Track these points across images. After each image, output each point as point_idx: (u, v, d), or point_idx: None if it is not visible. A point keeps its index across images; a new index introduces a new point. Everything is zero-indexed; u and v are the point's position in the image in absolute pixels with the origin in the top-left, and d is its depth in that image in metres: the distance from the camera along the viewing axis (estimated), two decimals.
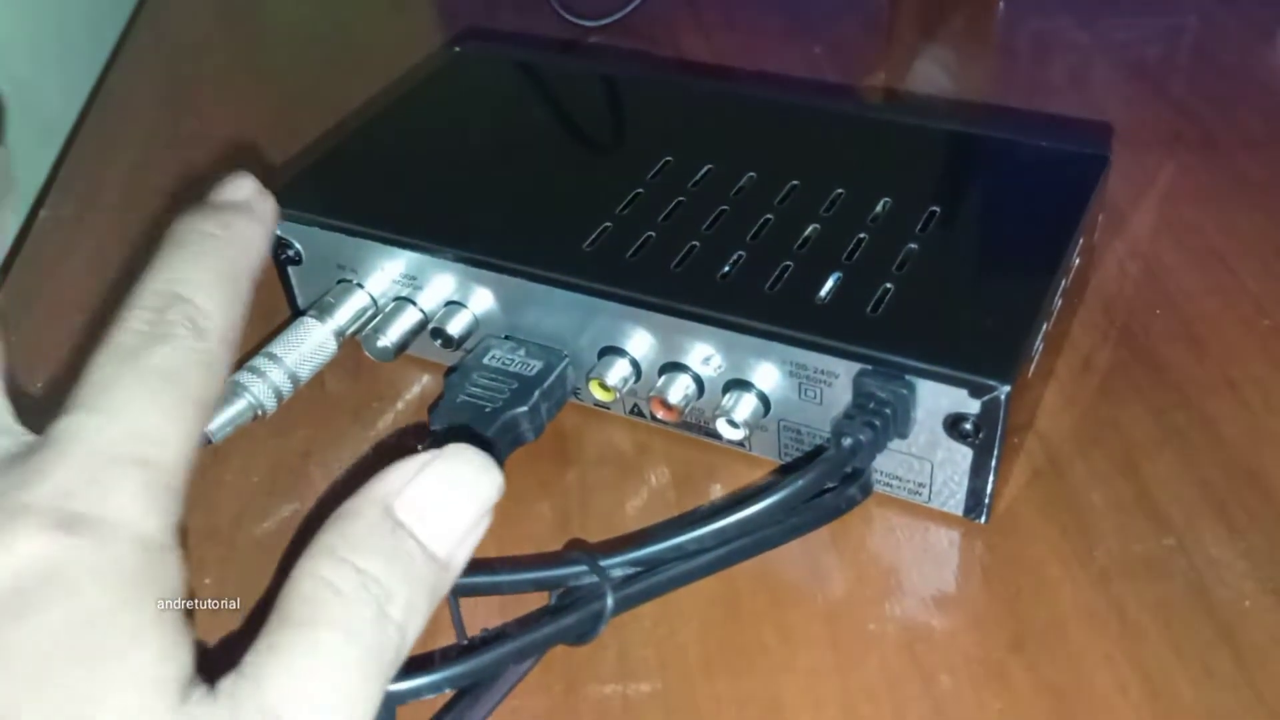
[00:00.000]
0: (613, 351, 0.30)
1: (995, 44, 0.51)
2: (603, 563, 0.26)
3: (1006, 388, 0.26)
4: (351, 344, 0.34)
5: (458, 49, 0.41)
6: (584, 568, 0.26)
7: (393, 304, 0.33)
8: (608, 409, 0.32)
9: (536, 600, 0.27)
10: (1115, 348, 0.34)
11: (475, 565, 0.28)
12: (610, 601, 0.26)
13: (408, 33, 0.56)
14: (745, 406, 0.29)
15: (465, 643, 0.26)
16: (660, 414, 0.30)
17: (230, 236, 0.26)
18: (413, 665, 0.25)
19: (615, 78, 0.40)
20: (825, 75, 0.49)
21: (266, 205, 0.27)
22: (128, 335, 0.22)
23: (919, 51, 0.51)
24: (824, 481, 0.27)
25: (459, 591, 0.27)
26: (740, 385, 0.29)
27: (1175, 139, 0.43)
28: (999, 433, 0.26)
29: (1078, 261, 0.32)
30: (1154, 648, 0.26)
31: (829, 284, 0.29)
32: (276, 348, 0.32)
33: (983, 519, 0.29)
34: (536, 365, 0.31)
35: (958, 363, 0.26)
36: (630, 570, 0.26)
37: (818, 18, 0.53)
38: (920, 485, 0.29)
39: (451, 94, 0.39)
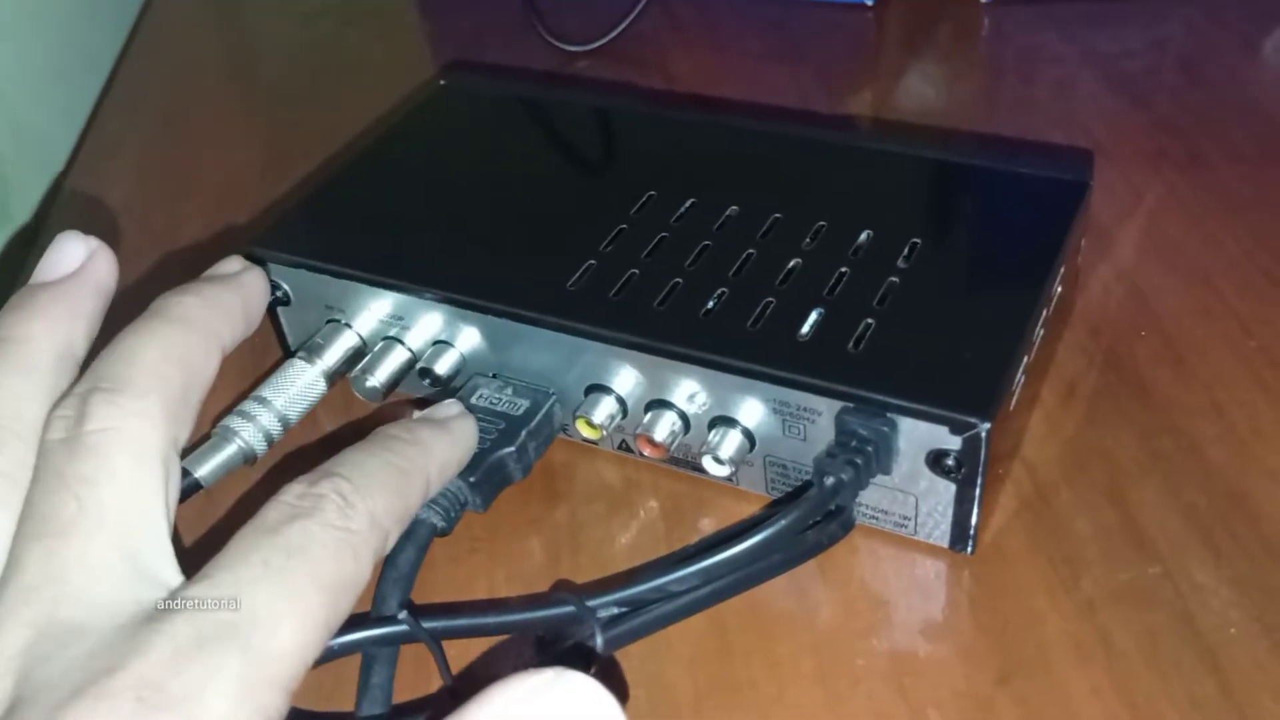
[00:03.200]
0: (599, 389, 0.31)
1: (981, 60, 0.51)
2: (589, 603, 0.26)
3: (987, 424, 0.26)
4: (345, 382, 0.34)
5: (442, 83, 0.42)
6: (571, 609, 0.26)
7: (381, 344, 0.33)
8: (596, 445, 0.33)
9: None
10: (1101, 372, 0.34)
11: (460, 608, 0.29)
12: (600, 642, 0.26)
13: (398, 59, 0.56)
14: (730, 443, 0.29)
15: (449, 684, 0.26)
16: (647, 451, 0.30)
17: (415, 440, 0.26)
18: (402, 712, 0.25)
19: (598, 111, 0.40)
20: (811, 95, 0.49)
21: (467, 427, 0.28)
22: (279, 510, 0.22)
23: (905, 69, 0.51)
24: (807, 520, 0.27)
25: (444, 635, 0.27)
26: (725, 422, 0.29)
27: (1160, 155, 0.43)
28: (981, 467, 0.27)
29: (1059, 289, 0.32)
30: (1140, 678, 0.26)
31: (811, 320, 0.29)
32: (266, 390, 0.32)
33: (969, 550, 0.29)
34: (523, 404, 0.31)
35: (938, 400, 0.26)
36: (616, 611, 0.27)
37: (804, 37, 0.53)
38: (905, 518, 0.29)
39: (436, 130, 0.39)
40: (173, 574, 0.22)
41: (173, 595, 0.21)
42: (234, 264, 0.30)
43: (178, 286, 0.28)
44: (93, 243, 0.27)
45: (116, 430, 0.23)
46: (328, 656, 0.26)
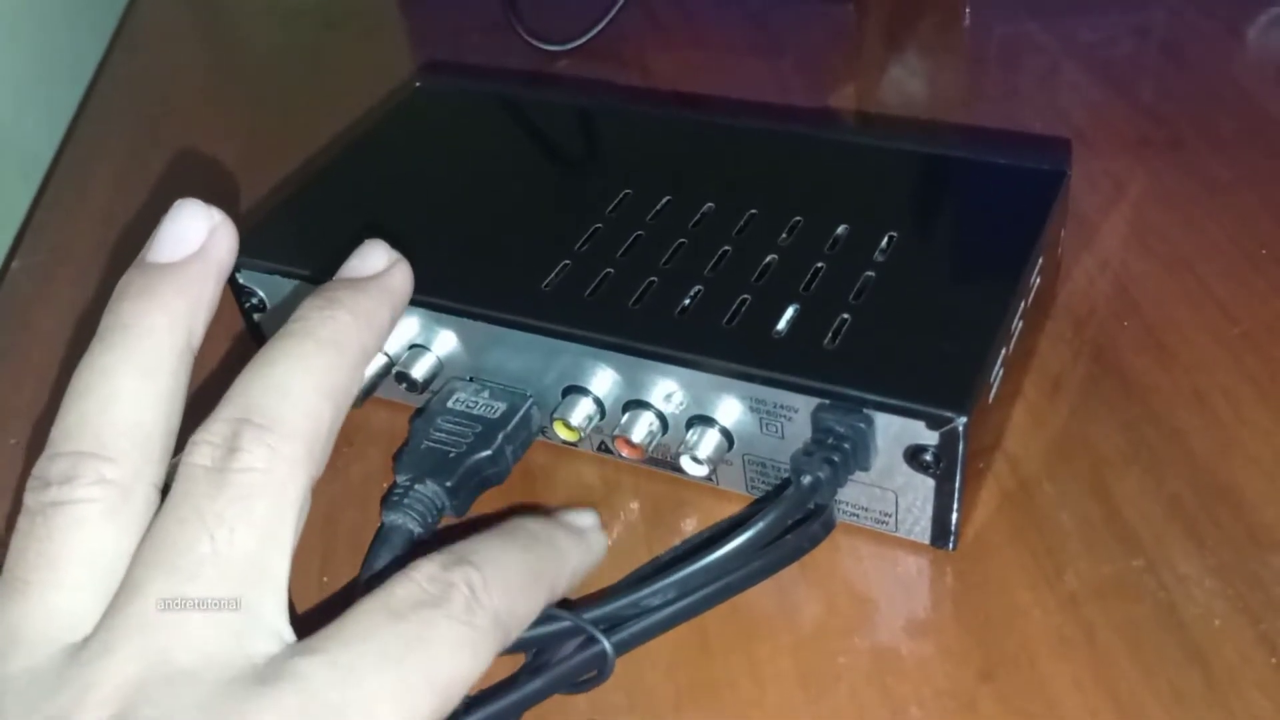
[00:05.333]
0: (576, 390, 0.30)
1: (963, 51, 0.51)
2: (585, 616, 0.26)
3: (964, 419, 0.25)
4: None
5: (417, 84, 0.41)
6: (567, 624, 0.26)
7: None
8: (575, 447, 0.32)
9: None
10: (1084, 362, 0.34)
11: None
12: (610, 650, 0.25)
13: (379, 61, 0.56)
14: (708, 443, 0.29)
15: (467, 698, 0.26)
16: (625, 452, 0.30)
17: (552, 544, 0.26)
18: None
19: (574, 109, 0.40)
20: (793, 90, 0.49)
21: (601, 542, 0.28)
22: (407, 589, 0.22)
23: (888, 62, 0.51)
24: (785, 521, 0.26)
25: None
26: (703, 421, 0.29)
27: (1143, 143, 0.43)
28: (959, 462, 0.26)
29: (1038, 280, 0.32)
30: (1124, 671, 0.26)
31: (787, 316, 0.29)
32: None
33: (950, 546, 0.28)
34: (500, 407, 0.31)
35: (914, 394, 0.26)
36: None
37: (785, 31, 0.53)
38: (886, 515, 0.28)
39: (411, 132, 0.39)
40: (284, 627, 0.22)
41: (284, 657, 0.21)
42: (380, 255, 0.27)
43: (326, 291, 0.26)
44: (215, 215, 0.25)
45: (263, 474, 0.22)
46: None
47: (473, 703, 0.24)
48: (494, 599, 0.23)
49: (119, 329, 0.24)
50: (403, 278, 0.27)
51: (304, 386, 0.23)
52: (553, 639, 0.26)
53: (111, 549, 0.22)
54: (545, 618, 0.26)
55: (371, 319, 0.26)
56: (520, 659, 0.26)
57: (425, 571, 0.22)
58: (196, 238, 0.25)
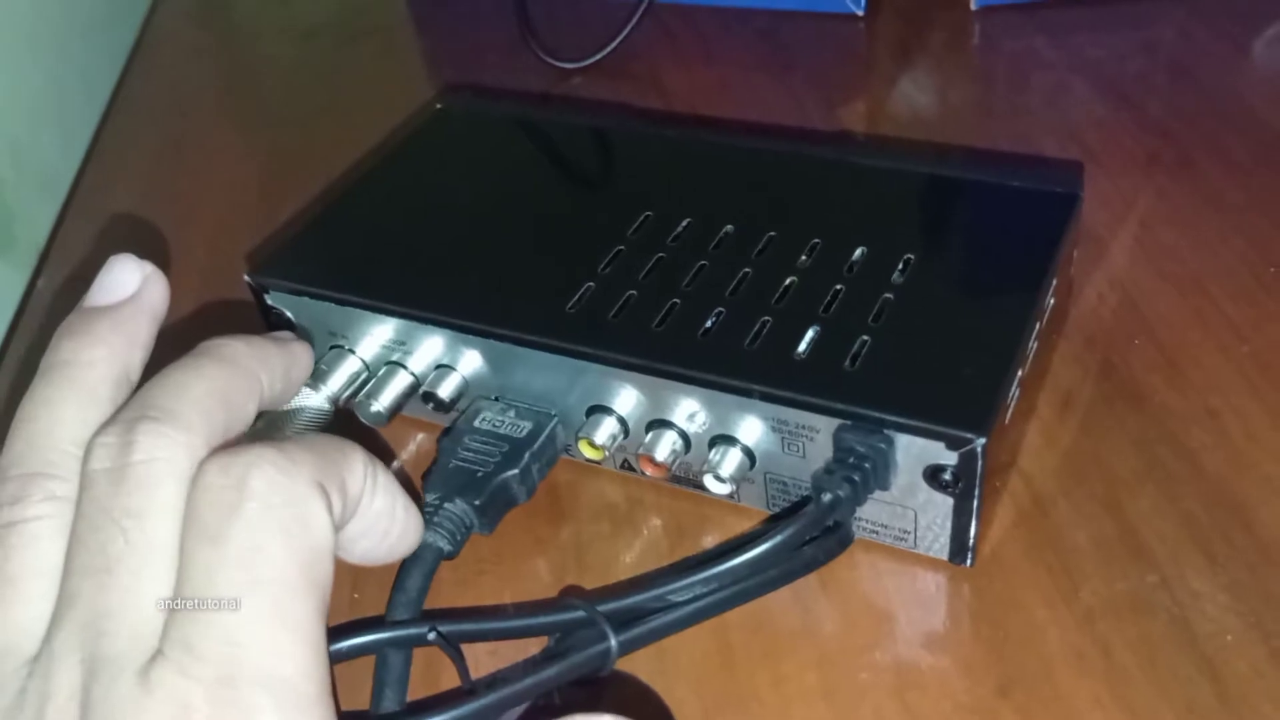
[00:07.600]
0: (600, 410, 0.31)
1: (972, 68, 0.52)
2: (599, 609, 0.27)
3: (983, 439, 0.26)
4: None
5: (439, 106, 0.42)
6: (581, 613, 0.27)
7: (384, 369, 0.34)
8: (599, 465, 0.33)
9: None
10: (1096, 381, 0.34)
11: (471, 613, 0.29)
12: (614, 645, 0.26)
13: (396, 78, 0.56)
14: (731, 462, 0.30)
15: (468, 687, 0.27)
16: (649, 471, 0.31)
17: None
18: (418, 709, 0.26)
19: (595, 131, 0.40)
20: (805, 107, 0.49)
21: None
22: (208, 509, 0.22)
23: (896, 78, 0.51)
24: (804, 536, 0.27)
25: (459, 638, 0.27)
26: (725, 440, 0.30)
27: (1151, 160, 0.43)
28: (978, 481, 0.27)
29: (1052, 301, 0.32)
30: (1139, 687, 0.27)
31: (807, 338, 0.30)
32: (272, 417, 0.32)
33: (968, 562, 0.29)
34: (526, 426, 0.32)
35: (934, 416, 0.27)
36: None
37: (796, 49, 0.54)
38: (905, 532, 0.29)
39: (434, 153, 0.40)
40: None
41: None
42: (285, 334, 0.31)
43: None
44: (147, 267, 0.27)
45: (164, 461, 0.23)
46: (346, 656, 0.27)
47: (488, 683, 0.25)
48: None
49: (60, 365, 0.25)
50: (303, 348, 0.30)
51: (197, 387, 0.24)
52: (567, 626, 0.27)
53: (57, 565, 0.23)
54: (563, 605, 0.27)
55: (264, 352, 0.27)
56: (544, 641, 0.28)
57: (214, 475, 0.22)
58: (131, 285, 0.27)
